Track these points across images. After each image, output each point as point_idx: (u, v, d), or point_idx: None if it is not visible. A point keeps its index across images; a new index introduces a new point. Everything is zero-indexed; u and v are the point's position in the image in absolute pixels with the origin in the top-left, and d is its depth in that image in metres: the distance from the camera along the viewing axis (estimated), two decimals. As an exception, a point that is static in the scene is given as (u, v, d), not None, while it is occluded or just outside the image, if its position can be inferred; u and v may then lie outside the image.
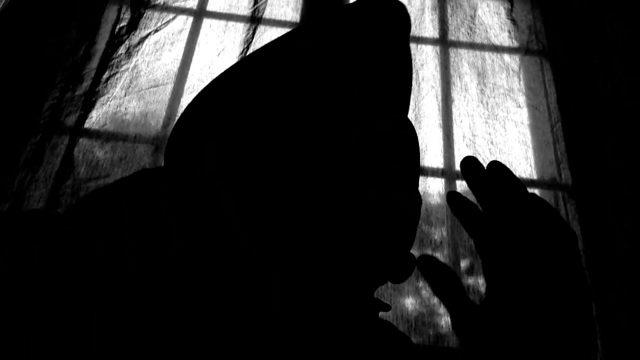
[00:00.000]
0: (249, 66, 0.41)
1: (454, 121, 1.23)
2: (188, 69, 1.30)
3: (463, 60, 1.34)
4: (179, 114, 1.23)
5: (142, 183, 0.41)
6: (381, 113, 0.39)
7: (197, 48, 1.35)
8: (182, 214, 0.35)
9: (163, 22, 1.36)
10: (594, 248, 1.05)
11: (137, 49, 1.29)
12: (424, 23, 1.39)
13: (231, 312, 0.32)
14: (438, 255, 1.05)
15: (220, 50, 1.33)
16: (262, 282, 0.33)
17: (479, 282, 1.02)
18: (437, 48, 1.36)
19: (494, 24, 1.42)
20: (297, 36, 0.42)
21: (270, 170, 0.34)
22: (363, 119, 0.38)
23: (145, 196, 0.38)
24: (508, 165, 1.18)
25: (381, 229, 0.38)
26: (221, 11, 1.41)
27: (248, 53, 1.28)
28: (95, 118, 1.19)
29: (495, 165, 0.36)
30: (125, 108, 1.22)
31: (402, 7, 0.46)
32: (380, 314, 0.44)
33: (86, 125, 1.18)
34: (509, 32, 1.40)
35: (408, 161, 0.44)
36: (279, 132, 0.35)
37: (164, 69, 1.29)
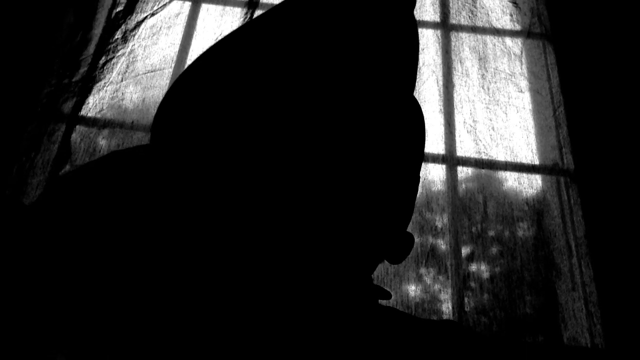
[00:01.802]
0: (243, 38, 0.39)
1: (454, 107, 1.22)
2: (186, 53, 1.29)
3: (464, 44, 1.33)
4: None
5: (114, 165, 0.39)
6: (385, 89, 0.38)
7: (194, 32, 1.33)
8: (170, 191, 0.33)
9: (160, 6, 1.34)
10: (595, 233, 1.04)
11: (134, 33, 1.28)
12: (424, 6, 1.37)
13: (227, 302, 0.31)
14: (439, 241, 1.05)
15: (217, 34, 1.31)
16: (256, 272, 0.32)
17: (480, 269, 1.02)
18: (438, 32, 1.34)
19: (495, 7, 1.39)
20: (294, 6, 0.40)
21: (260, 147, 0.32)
22: (364, 96, 0.36)
23: (120, 178, 0.37)
24: (510, 151, 1.16)
25: (380, 207, 0.37)
26: (218, -5, 1.39)
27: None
28: (92, 104, 1.18)
29: None
30: (123, 93, 1.21)
31: None
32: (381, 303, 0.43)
33: (83, 111, 1.17)
34: (511, 15, 1.38)
35: (410, 138, 0.42)
36: (268, 112, 0.34)
37: (161, 54, 1.27)
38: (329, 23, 0.38)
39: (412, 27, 0.42)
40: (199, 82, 0.36)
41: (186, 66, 1.27)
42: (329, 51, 0.36)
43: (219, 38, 0.39)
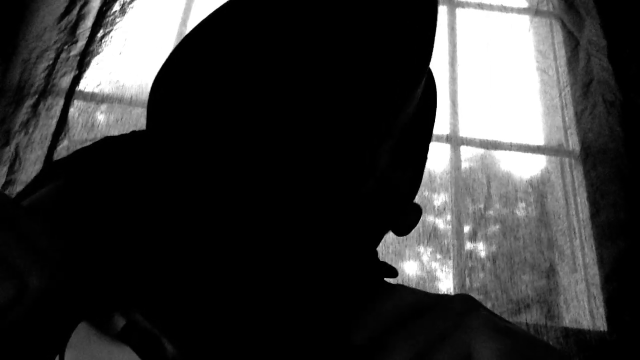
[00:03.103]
0: (240, 10, 0.36)
1: (459, 85, 1.20)
2: (185, 27, 1.27)
3: (470, 21, 1.30)
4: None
5: (108, 152, 0.38)
6: (397, 63, 0.36)
7: (194, 4, 1.30)
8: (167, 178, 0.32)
9: (159, -21, 1.31)
10: (599, 216, 1.03)
11: (132, 5, 1.25)
12: (430, -18, 1.34)
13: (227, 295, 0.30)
14: (440, 220, 1.04)
15: (218, 5, 1.29)
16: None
17: (482, 249, 1.02)
18: (444, 8, 1.32)
19: (503, -17, 1.37)
20: None
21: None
22: (374, 70, 0.34)
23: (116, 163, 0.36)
24: (514, 132, 1.14)
25: (388, 176, 0.35)
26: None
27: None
28: (91, 78, 1.16)
29: None
30: (121, 68, 1.19)
31: None
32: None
33: (81, 86, 1.15)
34: (519, -9, 1.35)
35: (421, 112, 0.41)
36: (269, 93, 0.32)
37: (160, 27, 1.25)
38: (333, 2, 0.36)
39: (432, 14, 0.39)
40: (195, 58, 0.34)
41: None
42: (333, 24, 0.34)
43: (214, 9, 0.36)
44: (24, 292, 0.23)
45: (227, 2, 0.37)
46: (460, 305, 0.30)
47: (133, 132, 0.41)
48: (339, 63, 0.34)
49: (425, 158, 0.46)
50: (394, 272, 0.41)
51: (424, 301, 0.31)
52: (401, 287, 0.33)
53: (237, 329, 0.29)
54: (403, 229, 0.41)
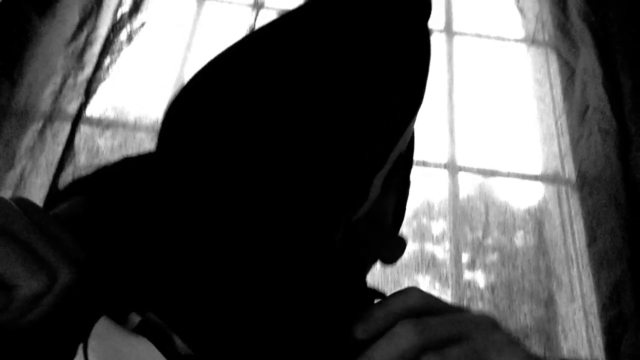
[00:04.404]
0: (249, 47, 0.39)
1: (457, 113, 1.22)
2: (190, 53, 1.29)
3: (468, 50, 1.33)
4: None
5: (125, 171, 0.41)
6: (388, 111, 0.38)
7: (199, 33, 1.33)
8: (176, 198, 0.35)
9: (165, 7, 1.34)
10: (596, 244, 1.05)
11: (139, 33, 1.28)
12: (429, 11, 1.37)
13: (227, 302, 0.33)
14: (439, 249, 1.05)
15: (222, 35, 1.31)
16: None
17: (481, 278, 1.03)
18: (442, 37, 1.35)
19: (499, 13, 1.40)
20: (302, 15, 0.40)
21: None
22: (369, 108, 0.36)
23: (130, 183, 0.39)
24: (511, 159, 1.16)
25: (369, 212, 0.38)
26: (224, -4, 1.39)
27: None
28: (97, 104, 1.19)
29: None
30: (126, 94, 1.21)
31: None
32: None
33: (87, 111, 1.17)
34: (515, 22, 1.38)
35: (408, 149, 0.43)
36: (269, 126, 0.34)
37: (166, 54, 1.28)
38: (340, 34, 0.38)
39: (425, 38, 0.41)
40: (209, 88, 0.37)
41: (189, 64, 1.27)
42: (337, 63, 0.37)
43: (231, 43, 0.39)
44: (54, 283, 0.28)
45: (239, 40, 0.40)
46: (481, 318, 0.31)
47: (150, 152, 0.44)
48: (341, 103, 0.36)
49: (408, 186, 0.48)
50: (382, 295, 0.42)
51: (436, 305, 0.33)
52: (413, 288, 0.34)
53: (237, 327, 0.32)
54: (389, 259, 0.43)
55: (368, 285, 0.44)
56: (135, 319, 0.31)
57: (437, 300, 0.34)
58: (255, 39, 0.39)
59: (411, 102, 0.38)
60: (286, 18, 0.40)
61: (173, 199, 0.35)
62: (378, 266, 0.46)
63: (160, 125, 0.37)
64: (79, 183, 0.43)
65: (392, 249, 0.44)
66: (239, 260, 0.33)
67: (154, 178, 0.37)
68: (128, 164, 0.43)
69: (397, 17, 0.41)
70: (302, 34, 0.38)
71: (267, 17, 1.32)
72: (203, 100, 0.37)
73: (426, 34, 0.42)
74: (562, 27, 1.35)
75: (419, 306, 0.32)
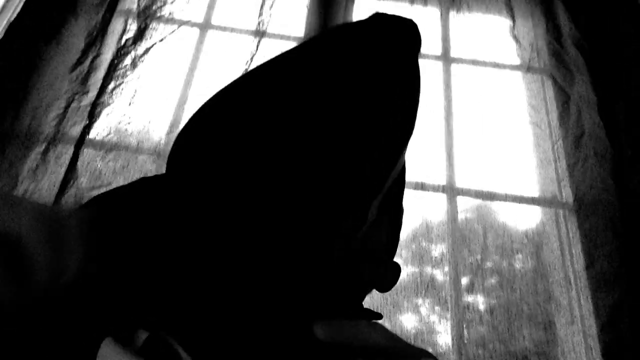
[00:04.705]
0: (253, 82, 0.41)
1: (454, 139, 1.24)
2: (192, 80, 1.31)
3: (465, 77, 1.35)
4: (182, 124, 1.24)
5: (140, 190, 0.43)
6: (382, 141, 0.40)
7: (201, 60, 1.36)
8: (182, 220, 0.36)
9: (169, 34, 1.37)
10: (594, 267, 1.05)
11: (143, 59, 1.31)
12: (426, 39, 1.40)
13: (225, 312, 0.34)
14: (438, 272, 1.05)
15: (224, 62, 1.34)
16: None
17: (480, 300, 1.03)
18: (439, 65, 1.37)
19: (495, 41, 1.43)
20: (301, 52, 0.43)
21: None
22: (359, 144, 0.38)
23: (143, 203, 0.40)
24: (509, 183, 1.17)
25: (363, 241, 0.39)
26: (226, 24, 1.42)
27: (251, 66, 1.30)
28: (100, 128, 1.20)
29: None
30: (130, 118, 1.23)
31: (414, 26, 0.46)
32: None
33: (91, 135, 1.19)
34: (511, 49, 1.41)
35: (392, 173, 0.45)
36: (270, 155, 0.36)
37: (169, 80, 1.30)
38: (333, 71, 0.40)
39: (414, 71, 0.44)
40: (217, 118, 0.39)
41: (190, 90, 1.30)
42: (332, 97, 0.39)
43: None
44: (66, 270, 0.30)
45: (247, 73, 0.42)
46: None
47: (164, 174, 0.46)
48: (339, 133, 0.38)
49: (402, 213, 0.49)
50: (378, 316, 0.43)
51: (394, 346, 0.33)
52: (380, 326, 0.35)
53: (236, 340, 0.34)
54: (384, 287, 0.44)
55: (364, 307, 0.44)
56: (143, 335, 0.32)
57: (396, 342, 0.34)
58: (260, 74, 0.42)
59: (403, 132, 0.41)
60: (287, 55, 0.42)
61: (182, 217, 0.36)
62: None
63: (171, 150, 0.39)
64: (95, 198, 0.44)
65: (386, 277, 0.45)
66: (245, 274, 0.34)
67: (164, 195, 0.39)
68: (144, 182, 0.44)
69: (390, 52, 0.43)
70: (303, 68, 0.40)
71: (268, 45, 1.35)
72: (209, 129, 0.39)
73: (416, 66, 0.45)
74: (557, 54, 1.38)
75: (382, 345, 0.33)
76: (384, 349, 0.32)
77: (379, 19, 0.45)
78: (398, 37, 0.44)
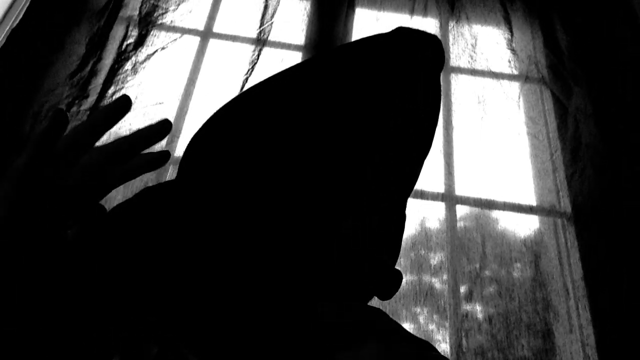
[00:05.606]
0: (266, 93, 0.42)
1: (454, 148, 1.25)
2: (193, 87, 1.32)
3: (464, 87, 1.37)
4: (182, 132, 1.24)
5: (146, 200, 0.43)
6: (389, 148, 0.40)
7: (202, 68, 1.36)
8: (192, 226, 0.36)
9: (170, 41, 1.38)
10: (592, 275, 1.05)
11: (144, 65, 1.31)
12: (426, 50, 1.41)
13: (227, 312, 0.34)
14: (436, 280, 1.05)
15: (225, 70, 1.34)
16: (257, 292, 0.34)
17: (477, 309, 1.02)
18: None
19: (494, 52, 1.44)
20: (318, 64, 0.43)
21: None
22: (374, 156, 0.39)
23: (150, 212, 0.40)
24: (508, 193, 1.18)
25: (365, 247, 0.39)
26: (227, 32, 1.43)
27: (253, 74, 1.30)
28: (100, 133, 1.20)
29: None
30: (130, 124, 1.23)
31: (439, 42, 0.46)
32: None
33: (90, 140, 1.18)
34: (509, 61, 1.42)
35: (397, 180, 0.45)
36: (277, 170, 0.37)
37: (169, 87, 1.30)
38: (356, 84, 0.40)
39: (436, 87, 0.44)
40: (228, 127, 0.39)
41: (191, 98, 1.30)
42: (352, 113, 0.39)
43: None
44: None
45: (260, 83, 0.43)
46: None
47: (168, 181, 0.46)
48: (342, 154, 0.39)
49: (404, 221, 0.50)
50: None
51: (402, 329, 0.34)
52: (386, 314, 0.36)
53: (244, 344, 0.34)
54: (385, 295, 0.44)
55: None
56: (154, 348, 0.32)
57: (406, 332, 0.36)
58: (277, 83, 0.42)
59: (418, 144, 0.42)
60: (308, 64, 0.42)
61: (193, 211, 0.36)
62: (375, 298, 0.47)
63: (182, 158, 0.40)
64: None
65: (389, 286, 0.45)
66: (249, 272, 0.34)
67: (172, 202, 0.39)
68: (147, 191, 0.45)
69: (413, 66, 0.43)
70: (322, 79, 0.41)
71: (269, 53, 1.36)
72: (222, 135, 0.40)
73: (438, 82, 0.45)
74: (555, 67, 1.39)
75: (390, 327, 0.34)
76: (393, 330, 0.32)
77: (403, 33, 0.45)
78: (423, 52, 0.45)
